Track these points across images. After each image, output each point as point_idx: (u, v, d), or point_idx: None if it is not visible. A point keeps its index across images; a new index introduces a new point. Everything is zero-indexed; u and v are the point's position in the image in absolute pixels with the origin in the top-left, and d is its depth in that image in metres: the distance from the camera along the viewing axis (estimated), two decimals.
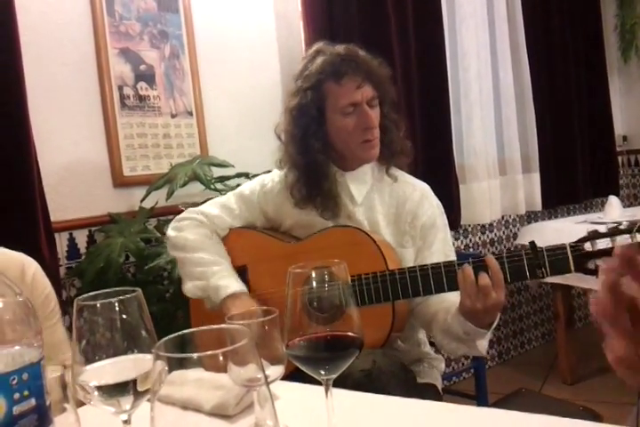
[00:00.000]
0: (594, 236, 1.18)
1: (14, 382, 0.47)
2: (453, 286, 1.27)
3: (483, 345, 1.30)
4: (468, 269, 1.21)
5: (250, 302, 1.41)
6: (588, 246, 1.18)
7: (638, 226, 1.13)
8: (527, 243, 1.25)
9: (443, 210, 1.54)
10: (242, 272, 1.50)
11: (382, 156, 1.50)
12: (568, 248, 1.20)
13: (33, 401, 0.48)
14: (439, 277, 1.28)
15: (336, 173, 1.50)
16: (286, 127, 1.49)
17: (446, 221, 1.53)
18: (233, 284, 1.42)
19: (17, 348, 0.49)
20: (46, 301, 1.22)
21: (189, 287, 1.48)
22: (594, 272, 1.18)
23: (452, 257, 1.47)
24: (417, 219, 1.47)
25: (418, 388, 1.40)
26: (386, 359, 1.27)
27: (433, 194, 1.54)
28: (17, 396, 0.47)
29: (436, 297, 1.36)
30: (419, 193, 1.51)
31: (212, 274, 1.44)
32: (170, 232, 1.57)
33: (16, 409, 0.47)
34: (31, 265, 1.22)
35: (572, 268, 1.19)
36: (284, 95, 1.51)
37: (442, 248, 1.47)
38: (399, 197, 1.50)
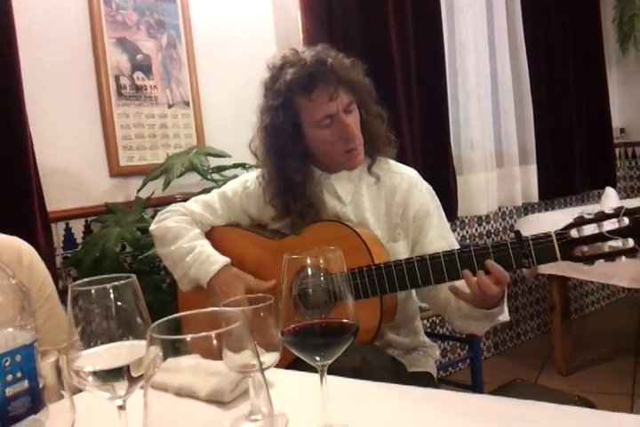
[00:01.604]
0: (580, 222, 1.15)
1: (7, 363, 0.47)
2: (440, 279, 1.25)
3: (504, 314, 1.29)
4: (468, 274, 1.21)
5: (235, 274, 1.43)
6: (574, 233, 1.15)
7: (624, 210, 1.12)
8: (515, 228, 1.23)
9: (433, 193, 1.50)
10: None
11: (365, 151, 1.45)
12: (554, 236, 1.17)
13: (26, 383, 0.49)
14: (425, 271, 1.25)
15: (321, 177, 1.47)
16: (262, 146, 1.45)
17: (439, 204, 1.50)
18: (211, 266, 1.42)
19: (10, 330, 0.49)
20: (44, 285, 1.23)
21: (181, 285, 1.51)
22: (581, 259, 1.16)
23: (452, 240, 1.46)
24: (408, 209, 1.44)
25: (411, 379, 1.39)
26: (375, 354, 1.27)
27: (421, 179, 1.50)
28: (10, 378, 0.47)
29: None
30: (406, 182, 1.47)
31: (193, 262, 1.44)
32: (152, 226, 1.57)
33: (9, 391, 0.47)
34: (28, 249, 1.23)
35: (559, 256, 1.17)
36: (256, 110, 1.46)
37: (440, 233, 1.44)
38: (387, 188, 1.46)
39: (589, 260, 1.16)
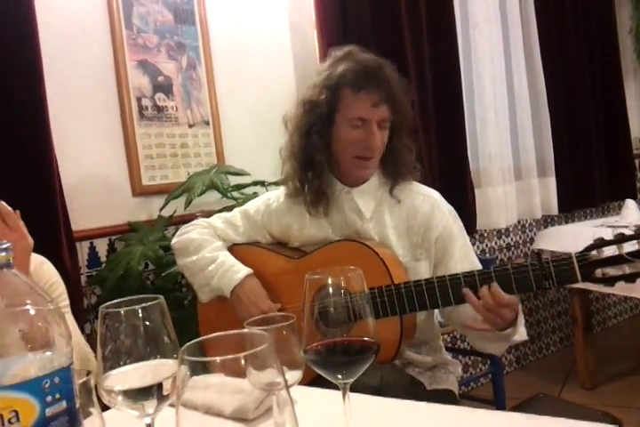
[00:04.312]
0: (600, 244, 1.16)
1: (46, 385, 0.49)
2: (460, 300, 1.25)
3: (521, 334, 1.30)
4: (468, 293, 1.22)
5: (256, 286, 1.45)
6: (594, 255, 1.16)
7: None
8: (535, 250, 1.25)
9: (456, 214, 1.50)
10: None
11: (388, 174, 1.48)
12: (574, 258, 1.18)
13: (64, 404, 0.51)
14: (445, 291, 1.26)
15: (342, 190, 1.48)
16: (294, 118, 1.48)
17: (461, 225, 1.50)
18: (235, 275, 1.44)
19: (48, 353, 0.52)
20: (51, 289, 1.27)
21: (200, 295, 1.52)
22: (601, 281, 1.16)
23: (476, 262, 1.46)
24: (430, 231, 1.43)
25: (433, 397, 1.38)
26: (394, 374, 1.27)
27: (444, 201, 1.51)
28: (49, 399, 0.49)
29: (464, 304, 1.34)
30: (429, 204, 1.47)
31: (216, 271, 1.46)
32: (174, 240, 1.60)
33: (48, 412, 0.49)
34: (39, 257, 1.28)
35: (579, 277, 1.17)
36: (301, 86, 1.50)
37: (464, 255, 1.44)
38: (409, 209, 1.46)
39: (609, 281, 1.16)
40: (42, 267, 1.29)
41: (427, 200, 1.48)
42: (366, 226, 1.46)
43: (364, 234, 1.46)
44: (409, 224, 1.46)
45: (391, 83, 1.41)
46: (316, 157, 1.44)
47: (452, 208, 1.51)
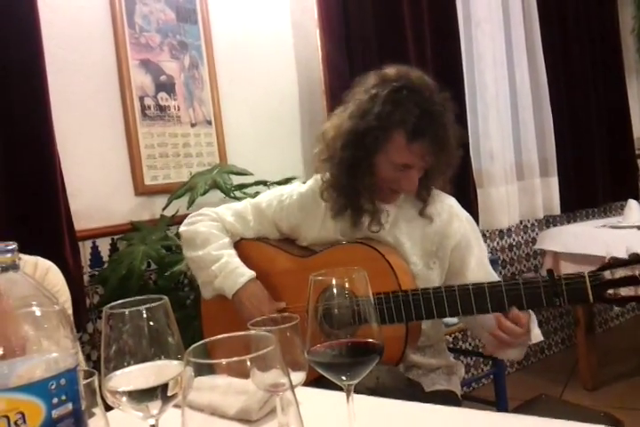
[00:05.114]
0: (613, 264, 1.15)
1: (52, 387, 0.49)
2: (469, 311, 1.25)
3: (536, 336, 1.30)
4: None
5: (261, 287, 1.44)
6: (607, 275, 1.14)
7: None
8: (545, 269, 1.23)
9: (473, 222, 1.49)
10: None
11: (420, 197, 1.45)
12: (587, 277, 1.16)
13: (70, 406, 0.51)
14: (453, 302, 1.25)
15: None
16: (337, 144, 1.40)
17: (479, 234, 1.49)
18: (238, 278, 1.43)
19: (54, 355, 0.52)
20: (58, 294, 1.27)
21: (203, 291, 1.52)
22: (612, 301, 1.15)
23: (490, 270, 1.45)
24: (447, 239, 1.42)
25: (434, 398, 1.37)
26: (390, 375, 1.27)
27: (461, 208, 1.49)
28: (55, 400, 0.49)
29: None
30: (446, 212, 1.45)
31: (219, 272, 1.45)
32: (181, 227, 1.57)
33: (55, 413, 0.49)
34: (45, 264, 1.28)
35: (591, 297, 1.15)
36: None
37: (480, 265, 1.44)
38: (426, 215, 1.45)
39: (621, 302, 1.15)
40: (46, 275, 1.28)
41: (445, 208, 1.47)
42: (381, 231, 1.45)
43: (378, 237, 1.45)
44: (425, 232, 1.44)
45: (448, 133, 1.35)
46: (357, 186, 1.41)
47: (469, 216, 1.49)
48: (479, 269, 1.43)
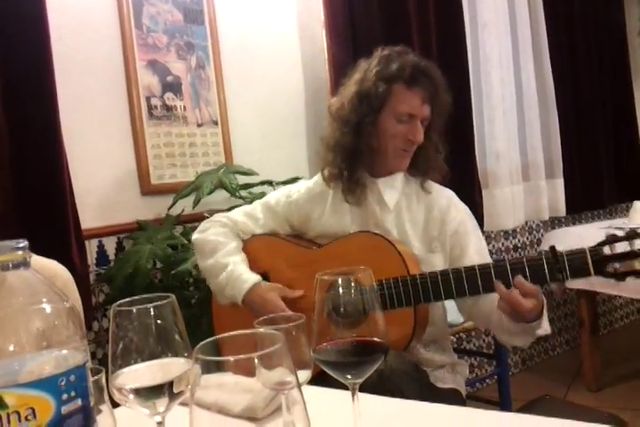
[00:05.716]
0: (612, 240, 1.21)
1: (62, 383, 0.50)
2: (475, 290, 1.29)
3: (545, 328, 1.32)
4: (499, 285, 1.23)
5: (269, 288, 1.48)
6: (607, 250, 1.22)
7: None
8: (547, 248, 1.28)
9: (470, 214, 1.56)
10: (263, 279, 1.53)
11: (417, 168, 1.54)
12: (587, 252, 1.23)
13: (79, 402, 0.51)
14: (460, 282, 1.30)
15: (367, 180, 1.53)
16: (344, 109, 1.51)
17: (476, 224, 1.55)
18: (242, 284, 1.47)
19: (64, 351, 0.52)
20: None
21: (218, 299, 1.55)
22: (613, 275, 1.21)
23: (488, 258, 1.49)
24: (446, 225, 1.49)
25: (439, 395, 1.40)
26: (398, 359, 1.29)
27: (458, 200, 1.57)
28: (65, 397, 0.50)
29: (485, 297, 1.36)
30: (445, 200, 1.53)
31: (226, 282, 1.50)
32: (193, 235, 1.64)
33: (64, 409, 0.50)
34: (63, 274, 1.27)
35: (592, 271, 1.22)
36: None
37: (478, 252, 1.48)
38: (426, 204, 1.52)
39: (620, 276, 1.21)
40: (68, 285, 1.27)
41: (443, 196, 1.54)
42: (386, 217, 1.50)
43: (383, 225, 1.50)
44: (426, 218, 1.51)
45: (439, 84, 1.50)
46: (361, 148, 1.50)
47: (467, 208, 1.56)
48: (477, 257, 1.46)
